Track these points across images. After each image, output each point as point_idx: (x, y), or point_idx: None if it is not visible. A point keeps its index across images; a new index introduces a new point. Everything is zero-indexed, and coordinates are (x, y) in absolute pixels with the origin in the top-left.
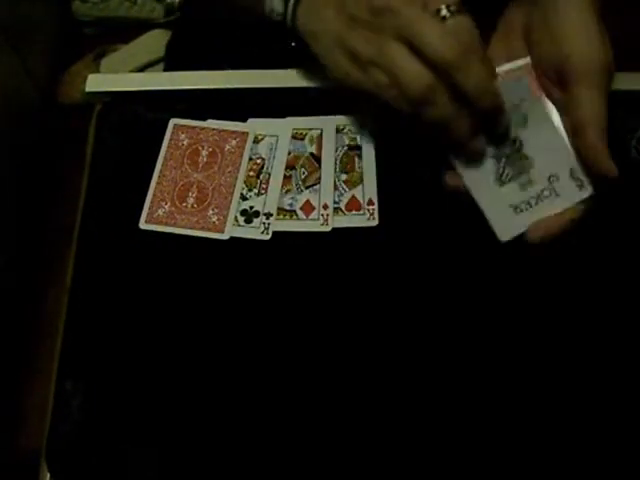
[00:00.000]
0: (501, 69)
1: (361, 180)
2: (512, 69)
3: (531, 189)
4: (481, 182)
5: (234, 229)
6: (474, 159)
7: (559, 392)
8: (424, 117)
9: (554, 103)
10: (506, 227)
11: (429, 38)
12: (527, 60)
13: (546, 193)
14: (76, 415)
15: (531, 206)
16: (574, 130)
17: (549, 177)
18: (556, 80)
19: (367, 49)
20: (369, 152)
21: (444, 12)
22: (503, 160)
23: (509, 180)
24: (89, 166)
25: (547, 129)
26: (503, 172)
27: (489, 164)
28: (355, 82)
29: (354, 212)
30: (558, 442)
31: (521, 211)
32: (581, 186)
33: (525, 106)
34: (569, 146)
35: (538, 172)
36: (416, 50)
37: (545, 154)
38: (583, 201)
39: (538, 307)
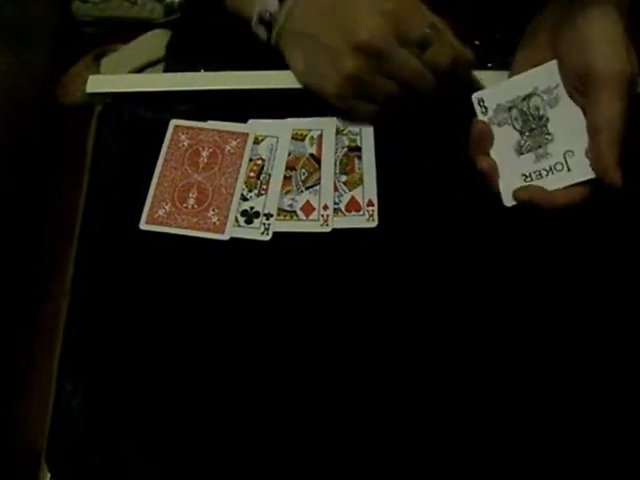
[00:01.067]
0: (529, 72)
1: (361, 181)
2: (538, 70)
3: (545, 161)
4: (503, 149)
5: (234, 230)
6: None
7: (558, 391)
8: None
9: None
10: (512, 194)
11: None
12: (553, 62)
13: (559, 167)
14: (76, 415)
15: (541, 177)
16: (589, 134)
17: (565, 152)
18: (580, 88)
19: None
20: (369, 153)
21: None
22: (527, 133)
23: (527, 151)
24: (89, 167)
25: (573, 111)
26: (524, 143)
27: (514, 134)
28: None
29: (354, 213)
30: (558, 439)
31: (531, 180)
32: None
33: (559, 90)
34: None
35: (555, 147)
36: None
37: (566, 132)
38: (588, 185)
39: (538, 310)
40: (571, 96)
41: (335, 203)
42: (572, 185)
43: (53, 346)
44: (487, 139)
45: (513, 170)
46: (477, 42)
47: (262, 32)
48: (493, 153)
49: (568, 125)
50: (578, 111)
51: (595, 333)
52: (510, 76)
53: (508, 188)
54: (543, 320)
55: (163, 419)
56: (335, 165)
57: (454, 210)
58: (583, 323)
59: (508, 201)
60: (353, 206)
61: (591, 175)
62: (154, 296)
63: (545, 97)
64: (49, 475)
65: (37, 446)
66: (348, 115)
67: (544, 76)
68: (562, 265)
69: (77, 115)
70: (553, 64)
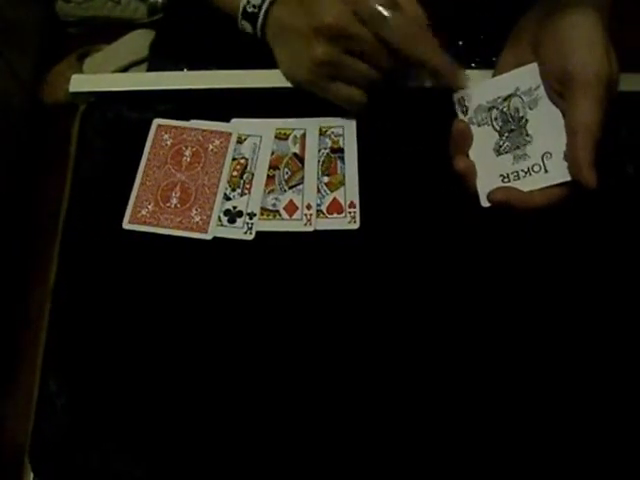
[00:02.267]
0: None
1: (343, 183)
2: (519, 71)
3: (523, 162)
4: (482, 149)
5: (217, 229)
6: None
7: (557, 390)
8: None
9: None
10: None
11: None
12: (534, 64)
13: (536, 168)
14: (60, 415)
15: (518, 178)
16: (567, 136)
17: (543, 154)
18: (559, 90)
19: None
20: (351, 155)
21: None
22: (506, 134)
23: (506, 152)
24: (73, 166)
25: (552, 113)
26: (503, 144)
27: (494, 135)
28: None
29: (335, 215)
30: (557, 439)
31: (508, 181)
32: None
33: (539, 92)
34: None
35: (534, 149)
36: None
37: (545, 134)
38: (565, 187)
39: (522, 310)
40: (551, 98)
41: (317, 205)
42: (549, 187)
43: (37, 346)
44: (466, 139)
45: (491, 171)
46: (461, 43)
47: (247, 26)
48: (472, 153)
49: (547, 127)
50: (557, 113)
51: (586, 328)
52: (493, 76)
53: (485, 189)
54: (528, 319)
55: (148, 417)
56: (317, 166)
57: (436, 213)
58: (574, 318)
59: (485, 202)
60: (335, 208)
61: (568, 177)
62: (138, 295)
63: (525, 98)
64: (32, 475)
65: (21, 446)
66: (330, 101)
67: (525, 77)
68: (545, 266)
69: (60, 114)
70: (534, 66)
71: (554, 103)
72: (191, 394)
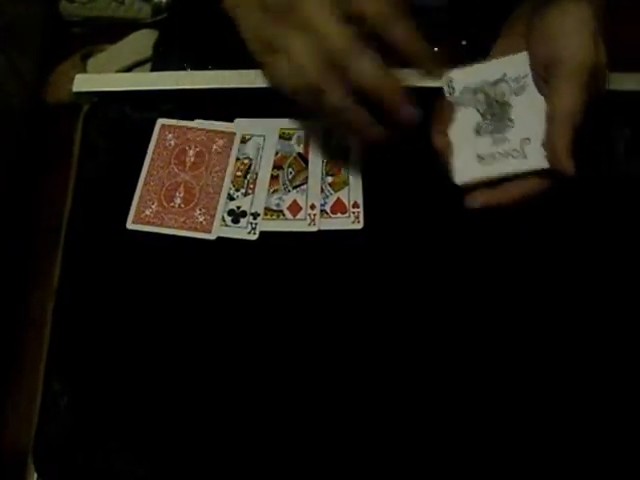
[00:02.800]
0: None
1: (347, 183)
2: (508, 59)
3: (502, 145)
4: (462, 128)
5: (221, 229)
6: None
7: (557, 390)
8: (323, 106)
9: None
10: (464, 171)
11: (325, 31)
12: (525, 54)
13: (515, 154)
14: (63, 415)
15: (495, 159)
16: (547, 122)
17: (523, 139)
18: (545, 78)
19: (276, 39)
20: (355, 155)
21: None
22: (489, 117)
23: (486, 133)
24: (76, 166)
25: (537, 102)
26: (485, 126)
27: (475, 116)
28: (266, 71)
29: (339, 215)
30: (557, 438)
31: (485, 162)
32: None
33: (527, 80)
34: None
35: (514, 133)
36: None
37: (527, 121)
38: (543, 179)
39: (526, 311)
40: (538, 86)
41: (321, 205)
42: (524, 179)
43: (40, 346)
44: (446, 117)
45: (468, 150)
46: (464, 42)
47: None
48: (452, 132)
49: (530, 115)
50: (542, 102)
51: (590, 329)
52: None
53: (460, 166)
54: (532, 319)
55: (151, 417)
56: (321, 166)
57: (440, 213)
58: (575, 318)
59: (458, 178)
60: (339, 208)
61: (546, 165)
62: (141, 296)
63: (512, 85)
64: (36, 475)
65: (24, 446)
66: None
67: (515, 64)
68: (547, 265)
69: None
70: (525, 55)
71: (540, 90)
72: (194, 393)
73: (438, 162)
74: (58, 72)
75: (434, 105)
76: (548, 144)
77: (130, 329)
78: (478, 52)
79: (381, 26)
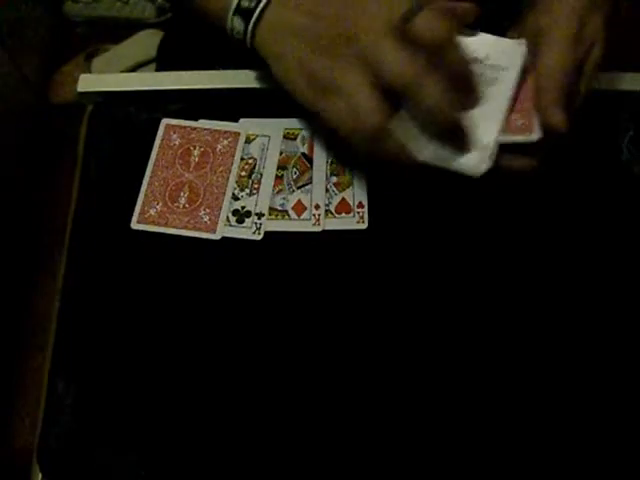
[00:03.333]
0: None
1: (351, 183)
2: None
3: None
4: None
5: (226, 229)
6: None
7: (556, 389)
8: (379, 150)
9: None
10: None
11: (386, 61)
12: (521, 46)
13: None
14: (68, 416)
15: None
16: (537, 85)
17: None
18: (533, 49)
19: (327, 74)
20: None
21: (411, 10)
22: None
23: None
24: (81, 166)
25: (500, 98)
26: None
27: None
28: (315, 108)
29: (344, 215)
30: (557, 439)
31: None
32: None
33: (504, 74)
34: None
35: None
36: (375, 75)
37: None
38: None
39: (530, 312)
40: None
41: (325, 205)
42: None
43: (45, 346)
44: None
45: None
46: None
47: (238, 25)
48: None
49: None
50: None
51: (591, 330)
52: None
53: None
54: (536, 320)
55: (155, 418)
56: (326, 166)
57: (444, 213)
58: (577, 321)
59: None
60: (343, 208)
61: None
62: (146, 296)
63: (487, 72)
64: (40, 476)
65: (29, 446)
66: None
67: (504, 51)
68: (553, 264)
69: (68, 114)
70: (521, 47)
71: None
72: (199, 394)
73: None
74: (62, 72)
75: None
76: (538, 101)
77: (135, 329)
78: None
79: (438, 54)
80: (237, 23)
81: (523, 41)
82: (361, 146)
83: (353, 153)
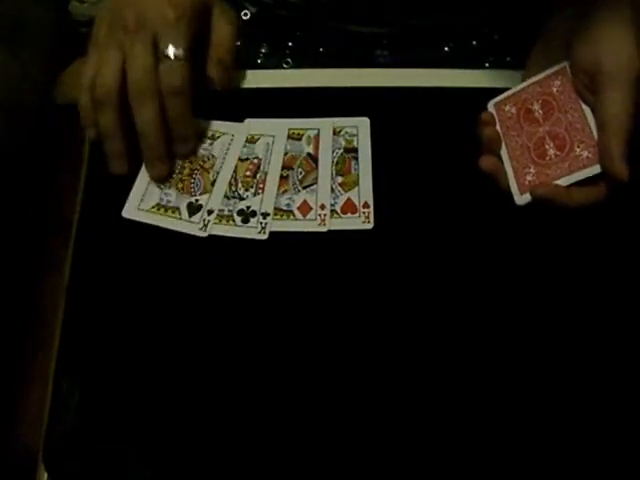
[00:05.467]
0: (539, 77)
1: (357, 183)
2: (549, 74)
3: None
4: (515, 149)
5: (232, 229)
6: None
7: (557, 391)
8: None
9: (587, 105)
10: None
11: (131, 68)
12: (564, 64)
13: None
14: (73, 415)
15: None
16: (598, 130)
17: None
18: (589, 86)
19: (102, 44)
20: (365, 155)
21: (168, 52)
22: None
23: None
24: (86, 166)
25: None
26: None
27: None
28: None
29: (349, 215)
30: (557, 439)
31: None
32: None
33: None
34: None
35: None
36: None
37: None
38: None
39: (535, 314)
40: (581, 95)
41: (331, 205)
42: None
43: (50, 345)
44: (497, 143)
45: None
46: (474, 42)
47: None
48: (507, 153)
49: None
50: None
51: (594, 332)
52: (522, 76)
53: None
54: (539, 324)
55: (161, 418)
56: (332, 166)
57: (451, 213)
58: (581, 324)
59: (520, 199)
60: (349, 208)
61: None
62: (152, 295)
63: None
64: (46, 475)
65: (34, 446)
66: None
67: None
68: (560, 269)
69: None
70: (549, 77)
71: (584, 99)
72: (204, 394)
73: (446, 164)
74: (68, 72)
75: (483, 132)
76: (601, 150)
77: (141, 329)
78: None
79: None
80: None
81: (565, 65)
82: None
83: None
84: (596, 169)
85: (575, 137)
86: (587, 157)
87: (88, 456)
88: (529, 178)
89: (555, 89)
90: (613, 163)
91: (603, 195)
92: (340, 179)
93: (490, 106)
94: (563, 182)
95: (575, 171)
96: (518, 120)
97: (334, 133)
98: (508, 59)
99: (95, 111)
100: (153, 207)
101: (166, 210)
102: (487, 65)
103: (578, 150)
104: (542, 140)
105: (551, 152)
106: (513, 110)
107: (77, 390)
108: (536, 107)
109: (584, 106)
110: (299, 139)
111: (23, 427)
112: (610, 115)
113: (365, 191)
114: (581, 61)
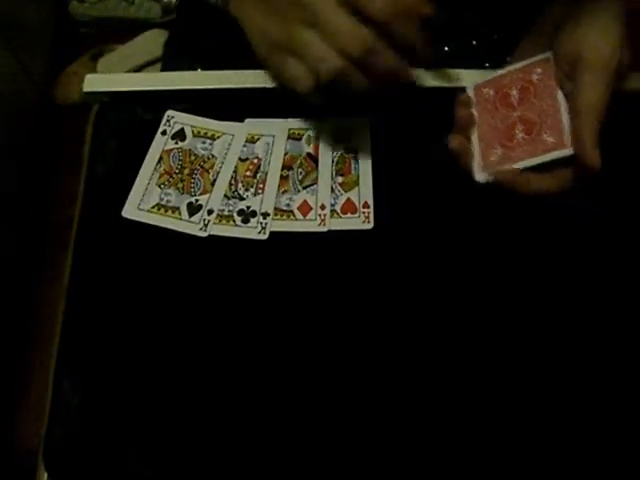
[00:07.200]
0: (522, 63)
1: (357, 183)
2: (531, 62)
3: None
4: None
5: (231, 229)
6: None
7: (557, 390)
8: (372, 72)
9: (566, 95)
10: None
11: (339, 32)
12: (548, 54)
13: None
14: (74, 414)
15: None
16: (572, 116)
17: None
18: (570, 74)
19: (281, 35)
20: (365, 155)
21: None
22: None
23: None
24: (86, 166)
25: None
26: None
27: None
28: (268, 64)
29: (349, 215)
30: (558, 440)
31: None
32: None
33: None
34: None
35: None
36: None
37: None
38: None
39: (533, 313)
40: (562, 83)
41: (331, 205)
42: (547, 174)
43: (50, 345)
44: (469, 125)
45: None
46: (474, 42)
47: None
48: (476, 134)
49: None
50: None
51: (595, 333)
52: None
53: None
54: (538, 323)
55: (161, 418)
56: (331, 166)
57: (450, 213)
58: (582, 324)
59: (479, 176)
60: (349, 208)
61: (567, 152)
62: (152, 295)
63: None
64: (46, 475)
65: (35, 446)
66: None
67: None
68: (558, 268)
69: (74, 114)
70: (532, 64)
71: (564, 87)
72: (204, 394)
73: (445, 165)
74: (68, 72)
75: (457, 112)
76: (575, 137)
77: (141, 329)
78: (489, 53)
79: (385, 25)
80: None
81: (547, 55)
82: (315, 99)
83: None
84: (558, 154)
85: (545, 123)
86: (552, 143)
87: (88, 456)
88: (492, 158)
89: (535, 77)
90: (585, 150)
91: (567, 185)
92: (340, 179)
93: (470, 88)
94: (524, 164)
95: (537, 155)
96: (494, 103)
97: (334, 133)
98: (508, 59)
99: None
100: (153, 207)
101: (166, 210)
102: (487, 65)
103: (545, 135)
104: (513, 124)
105: (519, 135)
106: (491, 93)
107: (77, 390)
108: (514, 92)
109: (560, 96)
110: (299, 139)
111: (23, 427)
112: (586, 102)
113: (365, 191)
114: (564, 50)
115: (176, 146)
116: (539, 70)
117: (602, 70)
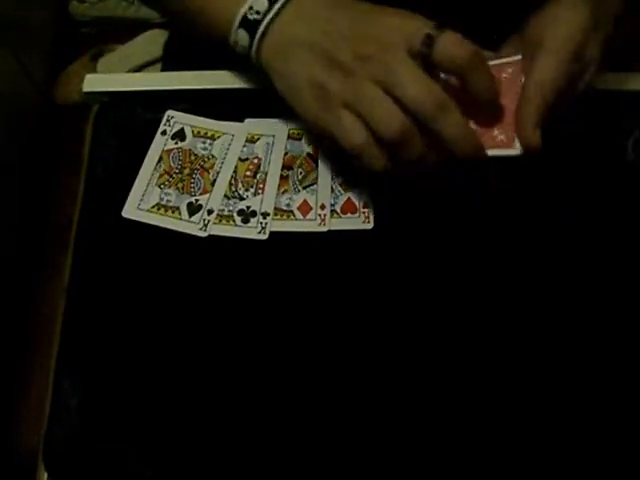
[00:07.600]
0: (492, 63)
1: (357, 183)
2: (505, 62)
3: None
4: None
5: (232, 229)
6: None
7: (558, 390)
8: (400, 157)
9: None
10: None
11: (407, 87)
12: (518, 57)
13: None
14: (74, 415)
15: None
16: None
17: None
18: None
19: (343, 90)
20: None
21: (433, 32)
22: None
23: None
24: (86, 166)
25: None
26: None
27: None
28: (321, 123)
29: (349, 215)
30: (558, 440)
31: None
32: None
33: None
34: None
35: None
36: (394, 97)
37: None
38: None
39: (534, 313)
40: (526, 68)
41: (331, 205)
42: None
43: (50, 345)
44: None
45: None
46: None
47: (244, 37)
48: None
49: None
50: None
51: (595, 332)
52: None
53: None
54: (538, 323)
55: (161, 418)
56: (331, 166)
57: (450, 213)
58: (581, 324)
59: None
60: (349, 208)
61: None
62: (152, 295)
63: None
64: (46, 475)
65: (34, 446)
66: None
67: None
68: (560, 268)
69: (74, 114)
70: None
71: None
72: (204, 395)
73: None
74: (68, 72)
75: None
76: (517, 115)
77: (141, 329)
78: None
79: (464, 76)
80: (242, 36)
81: (519, 57)
82: (372, 160)
83: (357, 168)
84: (504, 152)
85: (500, 120)
86: (501, 140)
87: (88, 456)
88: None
89: (505, 75)
90: (524, 129)
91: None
92: (340, 179)
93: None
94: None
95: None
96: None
97: None
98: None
99: (394, 150)
100: (153, 207)
101: (166, 210)
102: None
103: (496, 132)
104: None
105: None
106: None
107: (78, 390)
108: None
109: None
110: (299, 139)
111: (23, 427)
112: (535, 81)
113: (365, 191)
114: (529, 33)
115: (176, 146)
116: (510, 70)
117: (558, 50)
